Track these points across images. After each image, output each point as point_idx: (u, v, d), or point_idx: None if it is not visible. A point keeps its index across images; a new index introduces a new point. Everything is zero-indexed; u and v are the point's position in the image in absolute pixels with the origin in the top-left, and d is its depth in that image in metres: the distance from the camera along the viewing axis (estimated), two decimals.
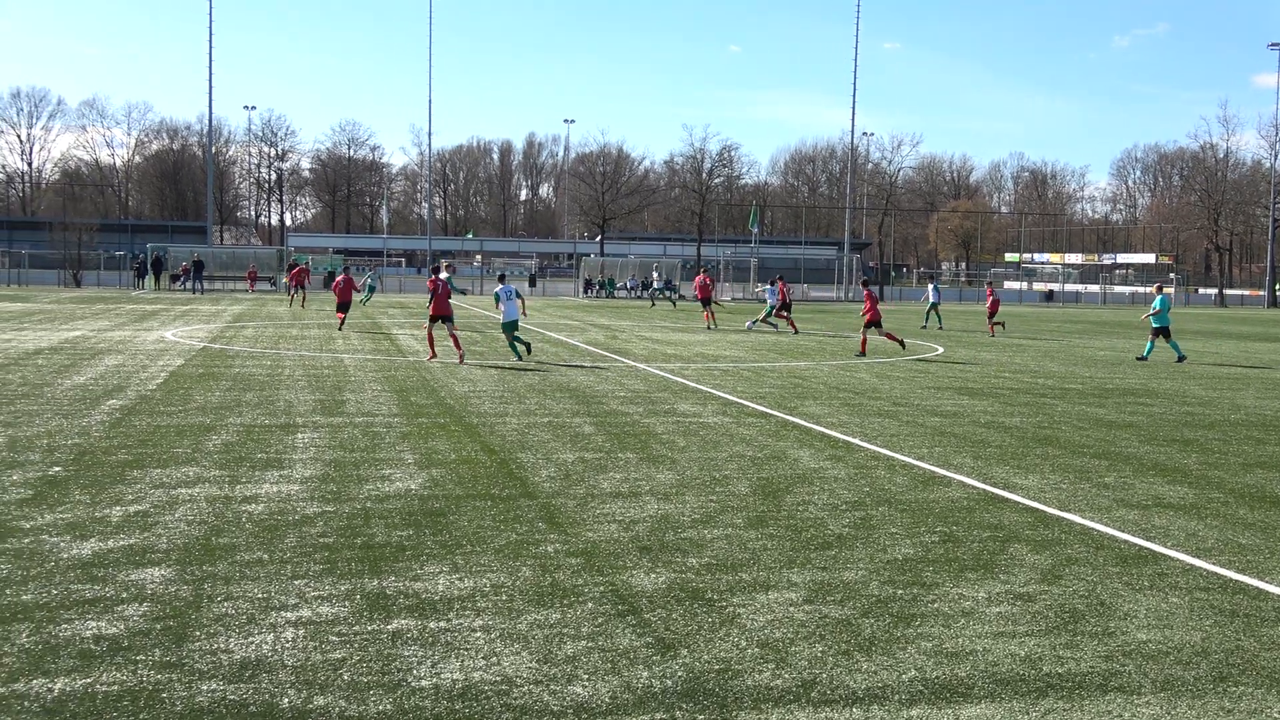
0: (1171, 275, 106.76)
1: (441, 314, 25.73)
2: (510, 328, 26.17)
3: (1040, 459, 14.43)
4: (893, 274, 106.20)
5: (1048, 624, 7.80)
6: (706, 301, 43.11)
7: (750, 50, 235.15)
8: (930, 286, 48.15)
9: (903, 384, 23.10)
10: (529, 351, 26.51)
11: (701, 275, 44.67)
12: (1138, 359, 30.63)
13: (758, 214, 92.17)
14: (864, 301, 31.07)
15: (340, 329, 35.71)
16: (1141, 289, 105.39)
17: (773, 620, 7.72)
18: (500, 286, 26.70)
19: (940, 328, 44.92)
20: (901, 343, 31.79)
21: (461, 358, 25.21)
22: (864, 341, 31.23)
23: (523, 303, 27.60)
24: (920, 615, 7.91)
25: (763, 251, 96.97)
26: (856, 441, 15.50)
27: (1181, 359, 30.31)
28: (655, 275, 70.50)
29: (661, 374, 23.90)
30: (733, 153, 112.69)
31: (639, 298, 72.88)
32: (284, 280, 53.93)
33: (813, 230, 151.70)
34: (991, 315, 42.13)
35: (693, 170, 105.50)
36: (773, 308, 41.69)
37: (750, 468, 13.31)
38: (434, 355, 25.74)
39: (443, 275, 26.58)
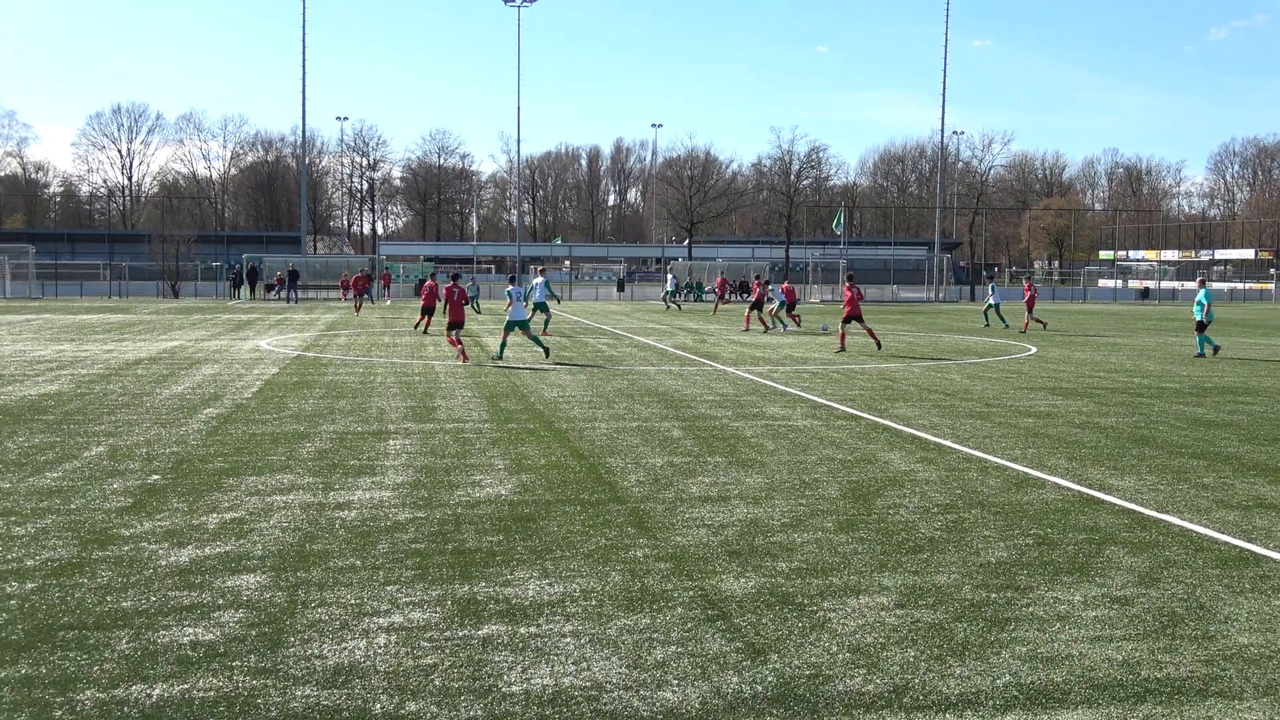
0: (1272, 270, 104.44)
1: (456, 320, 27.18)
2: (516, 326, 27.47)
3: (1137, 460, 14.18)
4: (984, 273, 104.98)
5: (1145, 628, 7.66)
6: (791, 306, 43.39)
7: (838, 51, 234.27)
8: (990, 286, 48.34)
9: (995, 385, 22.83)
10: (546, 355, 27.63)
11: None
12: (1215, 352, 30.55)
13: (843, 215, 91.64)
14: (844, 295, 31.77)
15: (415, 328, 36.81)
16: (1240, 285, 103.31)
17: (864, 625, 7.66)
18: (511, 287, 28.23)
19: (1005, 327, 43.98)
20: (878, 343, 31.86)
21: (464, 356, 26.68)
22: (843, 337, 31.63)
23: (529, 304, 28.92)
24: (1014, 620, 7.80)
25: (851, 253, 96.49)
26: (948, 443, 15.34)
27: (1201, 355, 30.57)
28: (672, 278, 69.29)
29: (750, 377, 23.83)
30: (821, 154, 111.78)
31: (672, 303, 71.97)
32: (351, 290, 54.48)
33: (902, 230, 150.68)
34: (1030, 310, 42.32)
35: (780, 172, 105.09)
36: (782, 303, 42.31)
37: (840, 471, 13.22)
38: (465, 359, 26.68)
39: (464, 283, 28.29)
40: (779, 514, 10.93)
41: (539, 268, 39.28)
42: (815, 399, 20.10)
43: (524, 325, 27.56)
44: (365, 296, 51.52)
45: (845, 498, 11.74)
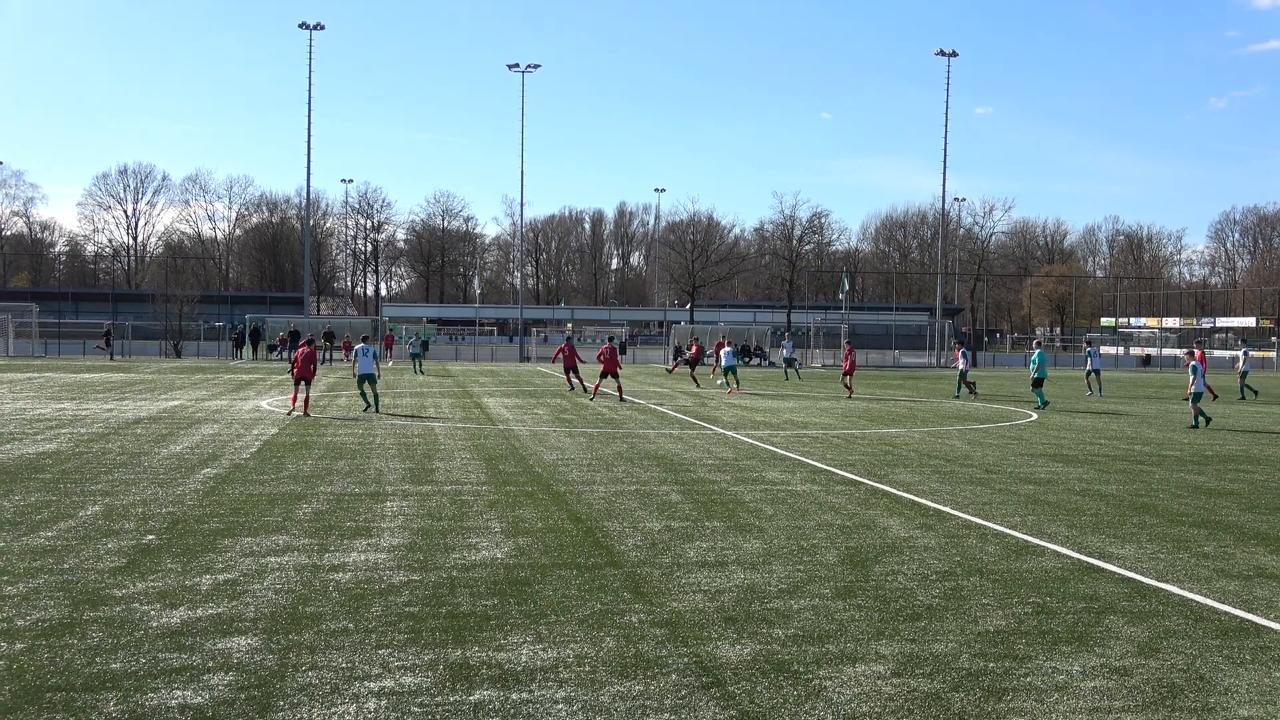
0: (1274, 339, 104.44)
1: (304, 376, 28.71)
2: (365, 379, 30.06)
3: (1137, 528, 14.11)
4: (985, 339, 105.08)
5: (1145, 699, 7.58)
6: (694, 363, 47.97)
7: (841, 117, 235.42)
8: (960, 352, 44.62)
9: (995, 451, 22.77)
10: (376, 407, 30.02)
11: (695, 345, 49.76)
12: (1043, 407, 35.85)
13: (847, 281, 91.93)
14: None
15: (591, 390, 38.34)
16: (1237, 352, 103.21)
17: (860, 694, 7.58)
18: (359, 345, 30.83)
19: (957, 396, 42.02)
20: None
21: (306, 411, 28.67)
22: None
23: (378, 362, 31.07)
24: (1012, 690, 7.72)
25: (853, 317, 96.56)
26: (947, 510, 15.27)
27: (1042, 406, 36.14)
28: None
29: (750, 441, 23.78)
30: (823, 219, 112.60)
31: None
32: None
33: (904, 296, 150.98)
34: (848, 374, 41.12)
35: (783, 237, 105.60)
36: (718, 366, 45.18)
37: (838, 536, 13.15)
38: (306, 412, 28.66)
39: (318, 342, 30.29)
40: (776, 580, 10.86)
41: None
42: (815, 464, 20.03)
43: (371, 379, 30.03)
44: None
45: (843, 564, 11.67)
